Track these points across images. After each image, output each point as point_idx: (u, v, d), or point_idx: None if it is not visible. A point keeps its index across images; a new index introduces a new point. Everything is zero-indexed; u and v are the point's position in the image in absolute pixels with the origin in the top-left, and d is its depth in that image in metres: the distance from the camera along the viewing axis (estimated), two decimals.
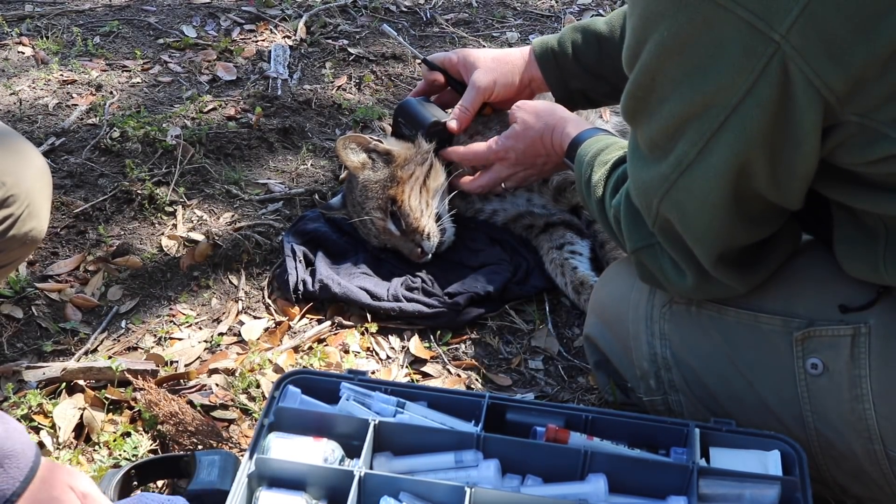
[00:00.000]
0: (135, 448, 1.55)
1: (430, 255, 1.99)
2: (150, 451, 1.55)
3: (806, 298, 1.33)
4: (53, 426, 1.59)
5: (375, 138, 2.04)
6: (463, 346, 1.86)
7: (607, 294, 1.58)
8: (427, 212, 1.99)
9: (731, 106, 1.07)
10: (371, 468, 1.33)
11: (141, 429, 1.59)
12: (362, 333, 1.87)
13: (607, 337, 1.55)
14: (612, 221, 1.42)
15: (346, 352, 1.81)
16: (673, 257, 1.30)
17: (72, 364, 1.71)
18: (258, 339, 1.84)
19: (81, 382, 1.69)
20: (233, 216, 2.21)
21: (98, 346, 1.82)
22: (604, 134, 1.68)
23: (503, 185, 1.99)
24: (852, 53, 0.99)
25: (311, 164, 2.45)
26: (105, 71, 2.89)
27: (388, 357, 1.82)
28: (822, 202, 1.25)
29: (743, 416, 1.38)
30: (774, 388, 1.35)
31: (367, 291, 1.91)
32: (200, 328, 1.89)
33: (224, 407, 1.66)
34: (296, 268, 1.98)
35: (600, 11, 3.46)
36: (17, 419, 1.58)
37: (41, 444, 1.56)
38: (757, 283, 1.34)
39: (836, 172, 1.15)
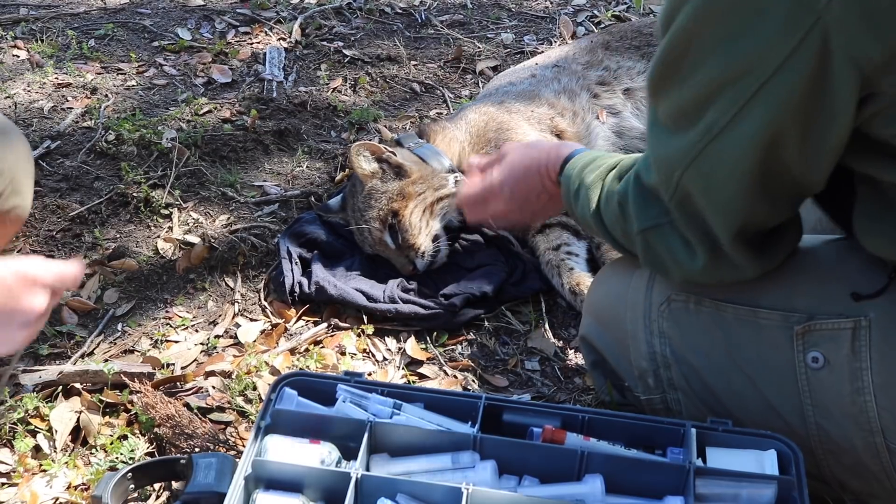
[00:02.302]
0: (132, 451, 1.55)
1: (420, 272, 1.98)
2: (147, 454, 1.55)
3: (805, 293, 1.33)
4: (50, 429, 1.58)
5: (389, 149, 2.02)
6: (459, 347, 1.86)
7: (603, 294, 1.58)
8: (426, 230, 1.98)
9: (767, 74, 1.06)
10: (368, 470, 1.33)
11: (138, 432, 1.59)
12: (358, 335, 1.87)
13: (604, 337, 1.55)
14: (616, 209, 1.38)
15: (343, 353, 1.81)
16: (686, 236, 1.30)
17: (68, 367, 1.71)
18: (254, 341, 1.84)
19: (78, 385, 1.69)
20: (229, 218, 2.21)
21: (94, 349, 1.82)
22: (588, 151, 1.66)
23: (491, 220, 1.82)
24: (892, 24, 0.99)
25: (307, 166, 2.45)
26: (100, 74, 2.89)
27: (385, 359, 1.82)
28: (842, 179, 1.24)
29: (743, 412, 1.38)
30: (775, 383, 1.35)
31: (364, 293, 1.91)
32: (197, 331, 1.88)
33: (221, 409, 1.65)
34: (292, 270, 1.98)
35: (595, 12, 3.47)
36: (14, 423, 1.58)
37: (37, 448, 1.56)
38: (767, 268, 1.32)
39: (867, 144, 1.14)
